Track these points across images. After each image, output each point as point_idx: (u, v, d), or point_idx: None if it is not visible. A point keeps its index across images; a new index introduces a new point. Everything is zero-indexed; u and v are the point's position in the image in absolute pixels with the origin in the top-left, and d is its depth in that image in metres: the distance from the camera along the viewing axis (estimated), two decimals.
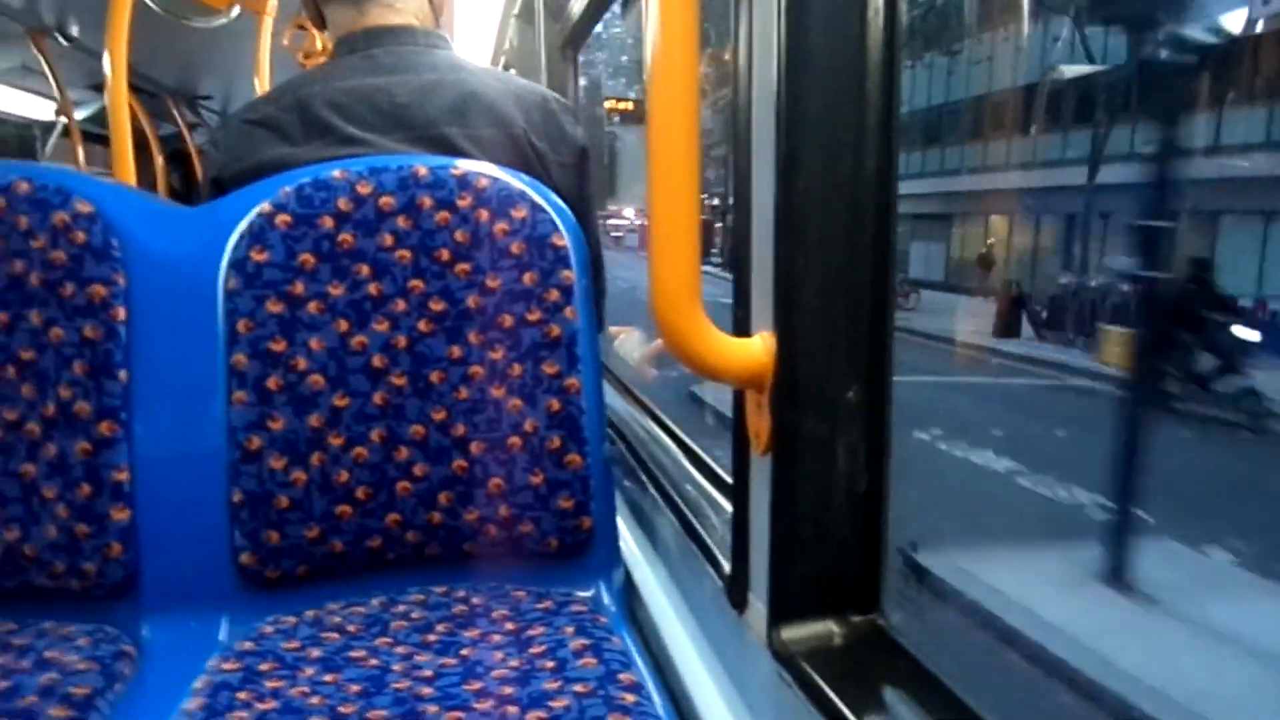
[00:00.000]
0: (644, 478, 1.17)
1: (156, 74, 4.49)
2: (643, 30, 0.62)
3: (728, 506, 0.87)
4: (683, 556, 0.98)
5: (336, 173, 0.98)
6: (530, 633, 0.87)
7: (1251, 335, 8.09)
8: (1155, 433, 5.12)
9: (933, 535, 4.12)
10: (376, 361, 0.97)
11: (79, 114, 4.43)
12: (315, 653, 0.85)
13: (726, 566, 0.79)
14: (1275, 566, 4.34)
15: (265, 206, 0.96)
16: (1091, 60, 13.19)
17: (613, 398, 1.54)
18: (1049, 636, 3.36)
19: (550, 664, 0.80)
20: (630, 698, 0.75)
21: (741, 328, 0.71)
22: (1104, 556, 4.30)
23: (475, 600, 0.95)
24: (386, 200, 0.97)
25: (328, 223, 0.97)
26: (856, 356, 0.66)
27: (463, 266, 0.98)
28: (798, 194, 0.64)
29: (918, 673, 0.63)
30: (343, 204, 0.97)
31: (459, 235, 0.98)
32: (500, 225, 0.98)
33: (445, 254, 0.98)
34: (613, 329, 1.67)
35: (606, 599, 0.99)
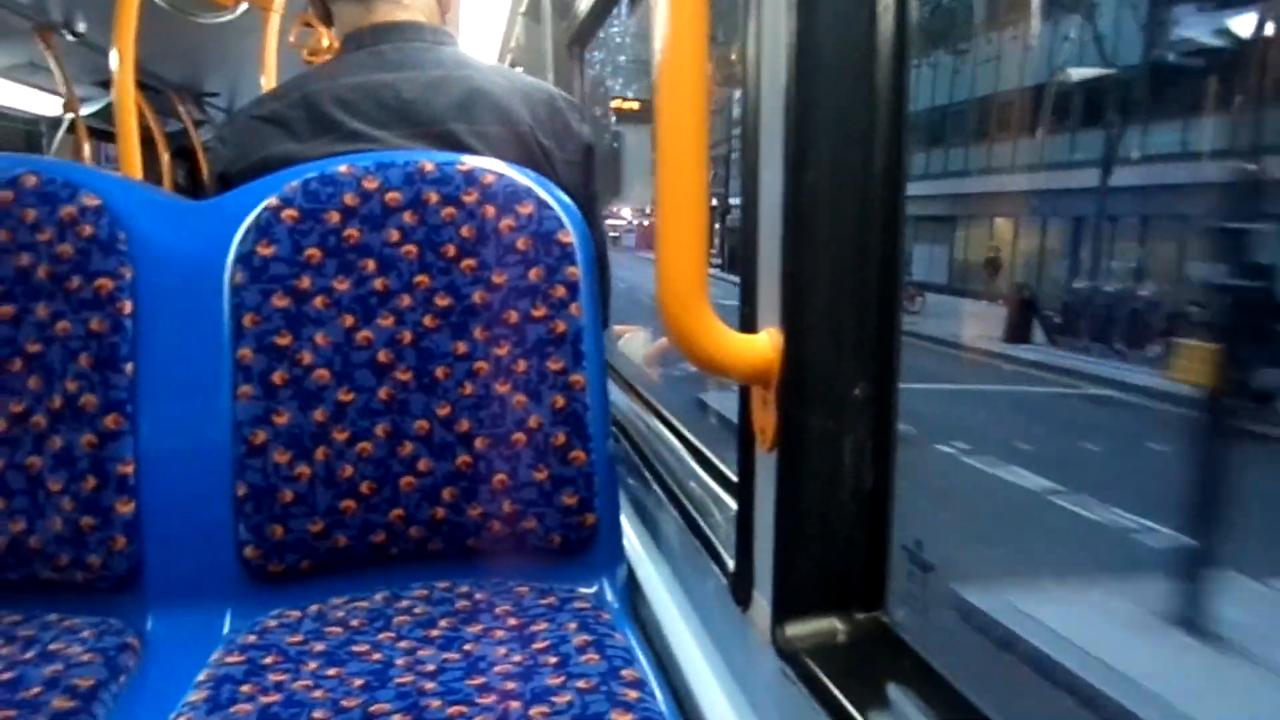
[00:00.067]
0: (648, 474, 1.17)
1: (163, 70, 4.50)
2: (651, 29, 0.62)
3: (731, 503, 0.87)
4: (686, 553, 0.98)
5: (343, 168, 0.98)
6: (533, 628, 0.87)
7: None
8: (1213, 451, 4.72)
9: (976, 565, 3.89)
10: (382, 356, 0.97)
11: (85, 110, 4.44)
12: (318, 646, 0.85)
13: (730, 563, 0.79)
14: None
15: (272, 201, 0.97)
16: (1105, 59, 13.05)
17: (616, 394, 1.54)
18: (1130, 695, 2.99)
19: (553, 660, 0.80)
20: (633, 694, 0.75)
21: (748, 324, 0.71)
22: (1169, 593, 3.80)
23: (479, 596, 0.95)
24: (393, 196, 0.97)
25: (334, 218, 0.97)
26: (863, 353, 0.66)
27: (468, 262, 0.98)
28: (806, 191, 0.64)
29: (922, 670, 0.63)
30: (349, 199, 0.97)
31: (465, 231, 0.98)
32: (506, 221, 0.98)
33: (451, 249, 0.98)
34: (617, 328, 1.67)
35: (610, 595, 0.99)
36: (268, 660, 0.83)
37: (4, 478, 0.93)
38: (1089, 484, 5.57)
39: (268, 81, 2.73)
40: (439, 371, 0.97)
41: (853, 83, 0.63)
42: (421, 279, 0.98)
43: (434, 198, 0.98)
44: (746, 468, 0.74)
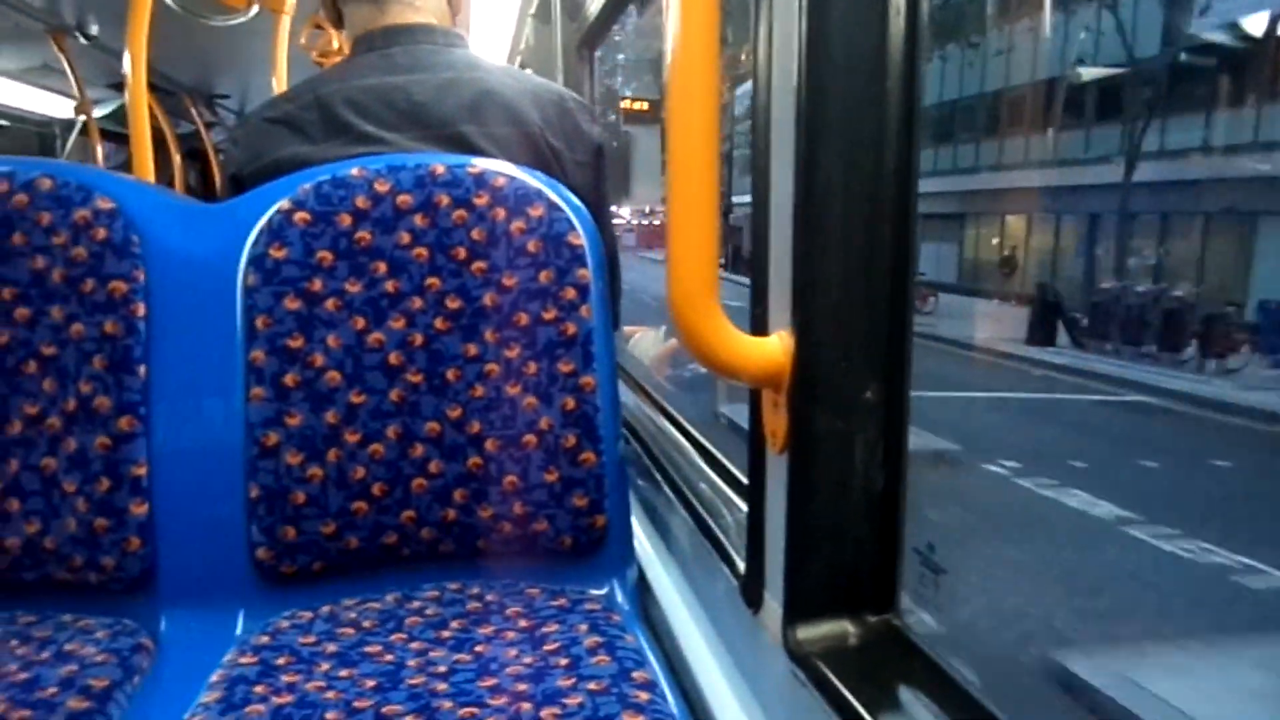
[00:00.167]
0: (658, 476, 1.17)
1: (175, 72, 4.52)
2: (663, 30, 0.62)
3: (742, 505, 0.87)
4: (697, 555, 0.98)
5: (354, 171, 0.99)
6: (544, 630, 0.87)
7: None
8: None
9: (1070, 621, 3.43)
10: (393, 359, 0.97)
11: (98, 112, 4.47)
12: (331, 648, 0.86)
13: (741, 565, 0.79)
14: None
15: (284, 204, 0.97)
16: (1129, 49, 12.69)
17: (626, 395, 1.54)
18: None
19: (564, 661, 0.81)
20: (644, 696, 0.75)
21: (759, 326, 0.71)
22: None
23: (489, 597, 0.95)
24: (404, 198, 0.98)
25: (346, 220, 0.97)
26: (874, 356, 0.65)
27: (479, 264, 0.98)
28: (817, 192, 0.63)
29: (934, 673, 0.62)
30: (360, 202, 0.97)
31: (476, 233, 0.98)
32: (517, 224, 0.98)
33: (462, 252, 0.98)
34: (627, 328, 1.67)
35: (620, 597, 0.99)
36: (280, 661, 0.83)
37: (19, 479, 0.94)
38: (1162, 510, 5.02)
39: (278, 83, 2.74)
40: (450, 373, 0.98)
41: (864, 85, 0.63)
42: (432, 281, 0.98)
43: (445, 200, 0.98)
44: (757, 470, 0.74)
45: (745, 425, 0.75)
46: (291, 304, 0.96)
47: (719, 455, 1.09)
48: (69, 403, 0.94)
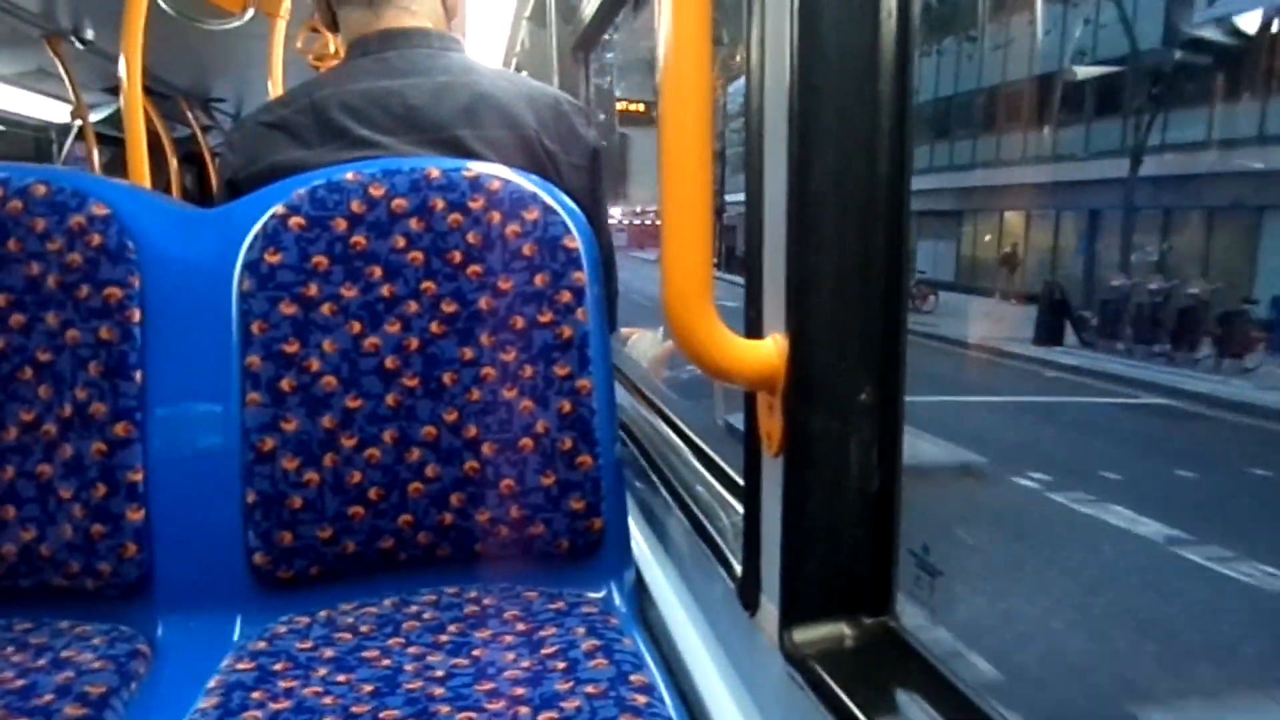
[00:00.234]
0: (655, 479, 1.18)
1: (171, 76, 4.52)
2: (656, 31, 0.62)
3: (738, 507, 0.87)
4: (694, 557, 0.98)
5: (349, 175, 0.99)
6: (542, 633, 0.87)
7: None
8: None
9: (1141, 664, 3.09)
10: (389, 363, 0.97)
11: (94, 116, 4.47)
12: (328, 653, 0.86)
13: (738, 568, 0.79)
14: None
15: (279, 209, 0.97)
16: (1133, 41, 12.52)
17: (623, 397, 1.54)
18: None
19: (562, 665, 0.81)
20: (642, 699, 0.75)
21: (753, 329, 0.71)
22: None
23: (487, 601, 0.95)
24: (399, 202, 0.98)
25: (341, 225, 0.97)
26: (869, 358, 0.65)
27: (474, 268, 0.98)
28: (810, 195, 0.64)
29: (930, 675, 0.62)
30: (355, 206, 0.97)
31: (471, 237, 0.98)
32: (512, 227, 0.98)
33: (457, 256, 0.98)
34: (624, 330, 1.67)
35: (618, 600, 0.99)
36: (278, 666, 0.83)
37: (15, 486, 0.94)
38: (1210, 528, 4.56)
39: (274, 87, 2.75)
40: (446, 377, 0.98)
41: (856, 87, 0.63)
42: (428, 285, 0.98)
43: (440, 204, 0.98)
44: (753, 472, 0.74)
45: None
46: (287, 309, 0.96)
47: (716, 457, 1.09)
48: (65, 409, 0.94)
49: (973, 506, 5.09)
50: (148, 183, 2.16)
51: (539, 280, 0.98)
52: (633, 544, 1.07)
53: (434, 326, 0.98)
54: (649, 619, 1.01)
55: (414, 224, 0.98)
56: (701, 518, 0.95)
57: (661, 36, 0.61)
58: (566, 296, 0.98)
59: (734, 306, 0.75)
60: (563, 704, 0.74)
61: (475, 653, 0.85)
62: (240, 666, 0.83)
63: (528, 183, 1.01)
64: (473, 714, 0.75)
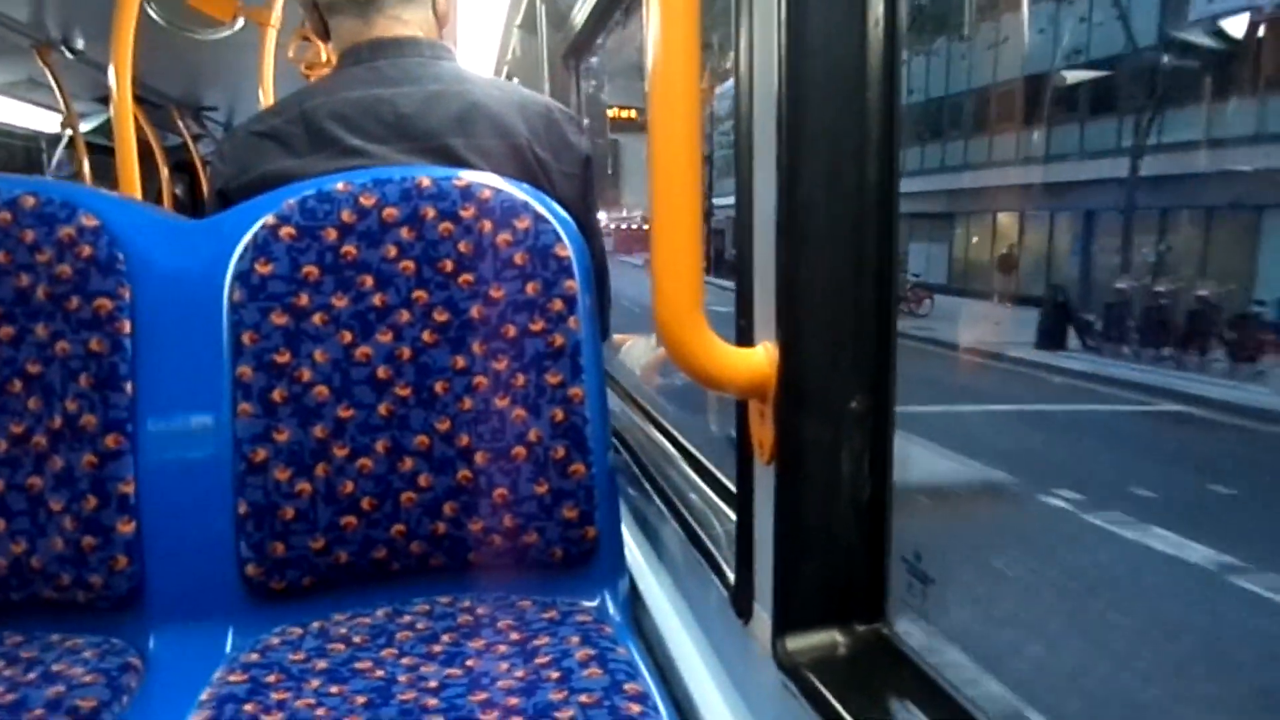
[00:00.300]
0: (648, 485, 1.18)
1: (161, 85, 4.52)
2: (644, 39, 0.62)
3: (732, 514, 0.87)
4: (688, 566, 0.98)
5: (340, 185, 0.99)
6: (535, 643, 0.87)
7: None
8: None
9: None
10: (380, 372, 0.97)
11: (85, 126, 4.46)
12: (321, 664, 0.85)
13: (731, 576, 0.79)
14: None
15: (269, 219, 0.97)
16: (1131, 37, 12.44)
17: (616, 405, 1.54)
18: None
19: (556, 674, 0.80)
20: (635, 708, 0.75)
21: (744, 338, 0.71)
22: None
23: (480, 610, 0.95)
24: (390, 212, 0.98)
25: (331, 235, 0.97)
26: (860, 366, 0.66)
27: (466, 277, 0.98)
28: (800, 204, 0.64)
29: (923, 682, 0.62)
30: (346, 216, 0.97)
31: (462, 246, 0.98)
32: (503, 236, 0.98)
33: (449, 265, 0.98)
34: (617, 337, 1.67)
35: (612, 609, 0.99)
36: (270, 678, 0.83)
37: (5, 498, 0.93)
38: (1263, 552, 4.14)
39: (264, 96, 2.74)
40: (438, 386, 0.98)
41: (845, 96, 0.64)
42: (419, 294, 0.98)
43: (431, 213, 0.98)
44: (745, 480, 0.74)
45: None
46: (278, 319, 0.96)
47: (710, 465, 1.09)
48: (55, 420, 0.93)
49: (1005, 533, 4.66)
50: (138, 192, 2.16)
51: (530, 289, 0.98)
52: (626, 552, 1.07)
53: (426, 336, 0.98)
54: (643, 627, 1.01)
55: (405, 233, 0.98)
56: (695, 525, 0.95)
57: (649, 46, 0.61)
58: (558, 305, 0.98)
59: (725, 312, 0.75)
60: (557, 714, 0.74)
61: (469, 663, 0.85)
62: (232, 678, 0.83)
63: (519, 191, 1.01)
64: None
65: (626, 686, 0.78)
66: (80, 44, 3.49)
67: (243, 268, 0.96)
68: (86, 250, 0.94)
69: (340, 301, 0.97)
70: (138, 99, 2.43)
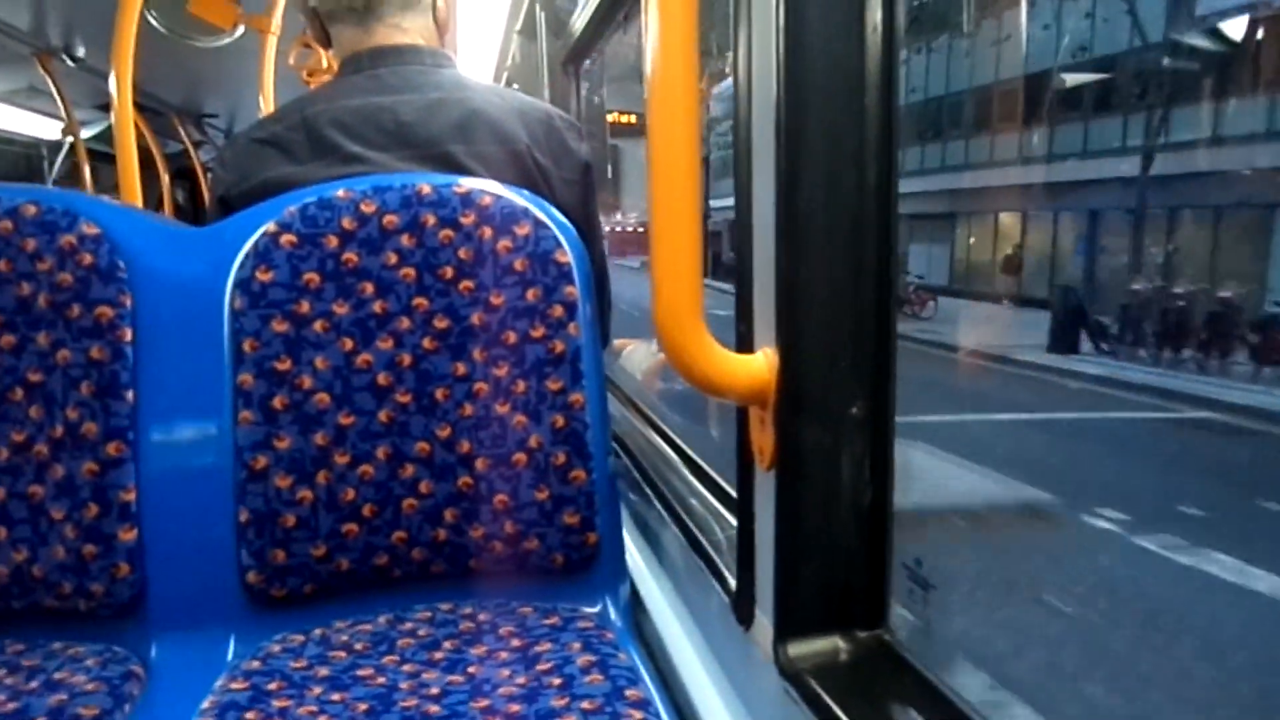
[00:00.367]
0: (649, 491, 1.17)
1: (162, 92, 4.52)
2: (643, 44, 0.62)
3: (733, 520, 0.87)
4: (689, 571, 0.98)
5: (340, 192, 0.99)
6: (537, 649, 0.87)
7: None
8: None
9: None
10: (381, 379, 0.97)
11: (85, 133, 4.47)
12: (323, 671, 0.85)
13: (732, 582, 0.79)
14: None
15: (270, 226, 0.97)
16: (1142, 33, 12.28)
17: (616, 410, 1.54)
18: None
19: (557, 681, 0.80)
20: (637, 714, 0.75)
21: (744, 344, 0.71)
22: None
23: (482, 617, 0.95)
24: (390, 219, 0.98)
25: (332, 242, 0.97)
26: (859, 372, 0.66)
27: (466, 284, 0.98)
28: (799, 209, 0.64)
29: (925, 688, 0.62)
30: (347, 223, 0.98)
31: (463, 253, 0.98)
32: (503, 242, 0.98)
33: (449, 271, 0.98)
34: (617, 342, 1.67)
35: (613, 614, 0.99)
36: (272, 686, 0.83)
37: (6, 507, 0.93)
38: None
39: (265, 103, 2.75)
40: (439, 393, 0.98)
41: (843, 101, 0.64)
42: (420, 301, 0.98)
43: (431, 220, 0.98)
44: (746, 487, 0.74)
45: None
46: (279, 326, 0.96)
47: (710, 471, 1.09)
48: (56, 429, 0.93)
49: (1057, 562, 4.29)
50: (139, 199, 2.16)
51: (531, 295, 0.98)
52: (627, 558, 1.07)
53: (426, 342, 0.98)
54: (644, 633, 1.01)
55: (405, 240, 0.98)
56: (696, 531, 0.95)
57: (648, 51, 0.61)
58: (558, 311, 0.98)
59: (725, 315, 0.75)
60: None
61: (470, 670, 0.85)
62: (234, 686, 0.82)
63: (519, 198, 1.01)
64: None
65: (628, 693, 0.78)
66: (81, 51, 3.50)
67: (244, 275, 0.96)
68: (87, 258, 0.94)
69: (341, 308, 0.97)
70: (139, 106, 2.43)
